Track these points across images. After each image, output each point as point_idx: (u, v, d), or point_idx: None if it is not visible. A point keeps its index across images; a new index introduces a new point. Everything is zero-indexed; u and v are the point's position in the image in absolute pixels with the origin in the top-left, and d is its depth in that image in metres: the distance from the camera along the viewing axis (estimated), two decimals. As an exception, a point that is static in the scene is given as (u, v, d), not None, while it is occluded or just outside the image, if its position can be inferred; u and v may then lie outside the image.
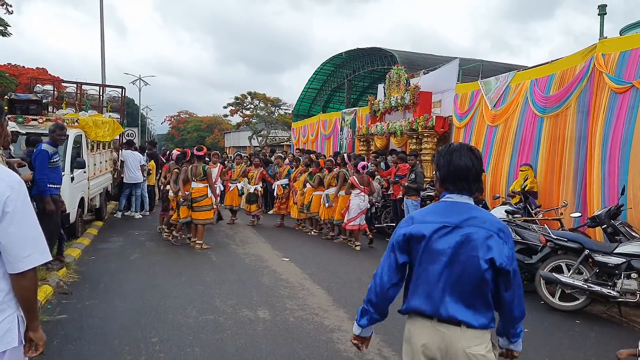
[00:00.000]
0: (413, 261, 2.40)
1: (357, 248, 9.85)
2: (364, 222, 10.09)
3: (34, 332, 2.20)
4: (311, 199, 10.94)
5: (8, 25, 19.83)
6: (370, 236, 10.17)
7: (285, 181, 12.20)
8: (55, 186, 6.75)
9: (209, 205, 9.32)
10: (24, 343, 2.17)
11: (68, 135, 8.48)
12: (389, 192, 10.98)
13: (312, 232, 11.31)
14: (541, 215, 7.98)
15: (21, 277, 2.07)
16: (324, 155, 14.94)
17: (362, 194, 9.88)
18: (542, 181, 8.86)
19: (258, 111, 45.05)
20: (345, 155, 11.78)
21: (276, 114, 44.95)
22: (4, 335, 2.07)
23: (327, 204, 10.49)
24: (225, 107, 46.38)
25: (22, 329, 2.15)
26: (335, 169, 10.74)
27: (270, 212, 13.84)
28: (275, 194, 12.41)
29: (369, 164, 12.66)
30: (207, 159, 10.01)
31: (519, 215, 7.78)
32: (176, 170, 9.71)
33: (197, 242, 9.22)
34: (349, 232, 10.26)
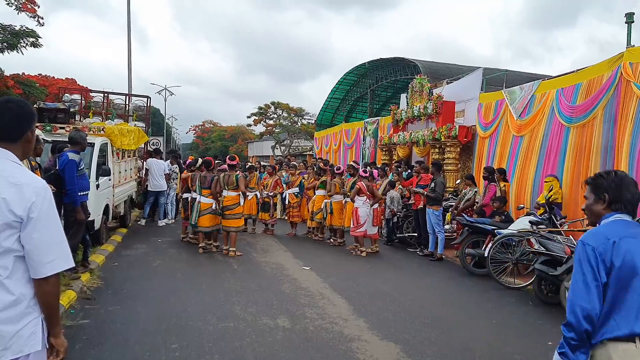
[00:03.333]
0: (617, 281, 2.30)
1: (363, 254, 9.93)
2: (375, 231, 10.32)
3: (56, 338, 2.23)
4: (332, 208, 10.92)
5: (39, 37, 20.30)
6: (377, 249, 10.43)
7: (296, 190, 12.21)
8: (85, 193, 6.88)
9: (240, 213, 9.61)
10: (47, 347, 2.20)
11: (93, 143, 8.66)
12: (410, 202, 10.90)
13: (331, 241, 11.32)
14: (566, 227, 7.83)
15: (44, 283, 2.11)
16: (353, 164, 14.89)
17: (368, 201, 10.05)
18: (568, 192, 8.67)
19: (281, 121, 45.30)
20: (353, 163, 11.85)
21: (299, 124, 45.13)
22: (28, 338, 2.11)
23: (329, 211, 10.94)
24: (248, 117, 46.79)
25: (45, 333, 2.19)
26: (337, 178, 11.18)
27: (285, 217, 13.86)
28: (287, 202, 12.43)
29: (391, 174, 12.65)
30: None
31: (544, 226, 7.64)
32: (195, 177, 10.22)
33: (230, 249, 9.39)
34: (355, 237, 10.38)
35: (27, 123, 2.27)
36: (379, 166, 13.96)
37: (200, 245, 9.73)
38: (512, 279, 7.87)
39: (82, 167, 6.83)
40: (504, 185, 9.64)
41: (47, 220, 2.12)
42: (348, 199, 10.60)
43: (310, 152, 33.99)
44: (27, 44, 20.36)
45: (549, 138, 9.28)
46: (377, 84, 24.14)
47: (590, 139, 8.25)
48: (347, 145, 21.36)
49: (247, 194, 11.94)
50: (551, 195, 8.37)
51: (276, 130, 45.89)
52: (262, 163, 15.87)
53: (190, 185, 10.47)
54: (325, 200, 11.03)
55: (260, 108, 45.26)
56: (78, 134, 6.95)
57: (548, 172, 9.07)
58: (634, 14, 8.14)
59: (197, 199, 9.61)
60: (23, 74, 23.46)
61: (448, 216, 10.32)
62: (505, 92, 10.93)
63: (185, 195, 10.82)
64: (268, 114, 45.40)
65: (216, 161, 11.09)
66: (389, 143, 15.91)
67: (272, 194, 12.44)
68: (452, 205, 10.51)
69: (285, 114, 45.09)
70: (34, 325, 2.13)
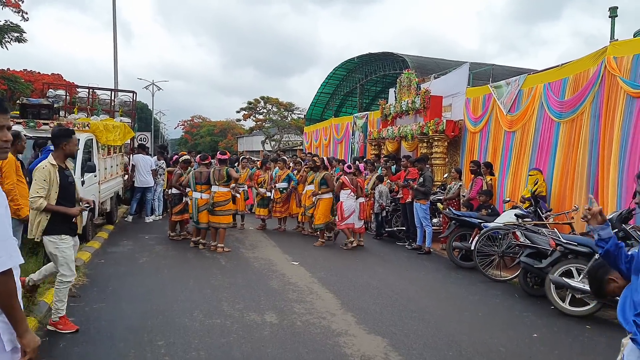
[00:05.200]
0: None
1: (351, 245, 10.06)
2: (361, 225, 10.44)
3: (21, 338, 2.12)
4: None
5: (24, 32, 20.09)
6: (362, 242, 10.55)
7: (284, 184, 12.10)
8: None
9: (230, 210, 9.66)
10: (17, 348, 2.11)
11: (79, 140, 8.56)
12: (399, 196, 10.93)
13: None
14: (552, 220, 7.89)
15: None
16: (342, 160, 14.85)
17: (352, 194, 10.13)
18: (558, 186, 8.71)
19: (271, 116, 45.19)
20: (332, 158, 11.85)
21: (289, 119, 45.04)
22: None
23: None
24: (238, 112, 46.63)
25: (7, 335, 2.09)
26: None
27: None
28: (272, 197, 12.34)
29: (380, 168, 12.66)
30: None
31: (529, 219, 7.70)
32: (179, 172, 10.36)
33: (219, 245, 9.35)
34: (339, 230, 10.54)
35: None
36: (366, 159, 13.98)
37: (193, 239, 9.74)
38: (498, 271, 7.93)
39: None
40: (490, 179, 9.68)
41: None
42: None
43: (300, 147, 33.94)
44: (11, 39, 20.14)
45: (540, 133, 9.31)
46: (366, 79, 24.13)
47: (578, 133, 8.30)
48: (337, 140, 21.37)
49: (238, 189, 11.91)
50: (536, 189, 8.43)
51: (266, 125, 45.77)
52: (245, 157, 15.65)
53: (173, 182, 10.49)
54: (316, 197, 10.99)
55: (249, 103, 45.11)
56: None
57: (541, 166, 9.12)
58: (617, 8, 8.20)
59: (197, 196, 9.52)
60: (8, 69, 23.20)
61: (440, 206, 10.35)
62: (492, 86, 10.97)
63: (173, 191, 10.78)
64: (257, 109, 45.26)
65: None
66: (378, 138, 15.92)
67: (267, 191, 12.31)
68: (439, 200, 10.55)
69: (275, 109, 44.98)
70: None
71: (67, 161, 5.14)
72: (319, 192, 10.51)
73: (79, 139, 8.72)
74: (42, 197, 4.78)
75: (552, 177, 8.81)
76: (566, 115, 8.57)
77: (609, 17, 8.26)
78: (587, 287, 5.85)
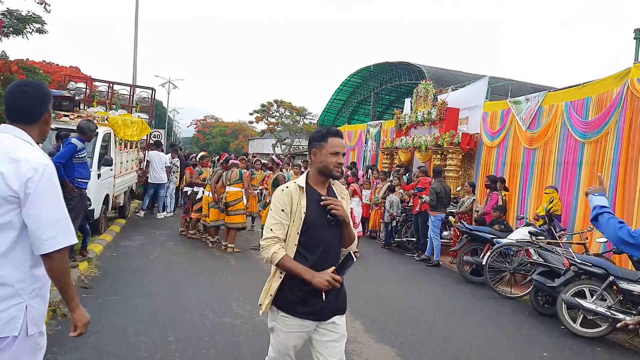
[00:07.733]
0: None
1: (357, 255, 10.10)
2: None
3: (72, 313, 2.24)
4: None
5: (45, 23, 20.28)
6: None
7: None
8: (85, 181, 6.88)
9: (242, 209, 9.63)
10: (29, 333, 2.13)
11: (97, 132, 8.67)
12: (410, 205, 10.93)
13: None
14: (566, 239, 7.84)
15: (48, 259, 2.10)
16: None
17: (360, 201, 10.64)
18: (583, 206, 8.60)
19: (283, 119, 45.30)
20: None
21: (301, 123, 45.13)
22: (9, 322, 2.07)
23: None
24: (251, 114, 46.78)
25: (30, 319, 2.12)
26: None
27: None
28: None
29: (391, 177, 12.67)
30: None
31: (543, 237, 7.66)
32: (198, 170, 10.57)
33: (229, 245, 9.42)
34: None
35: (44, 105, 2.29)
36: (379, 170, 14.00)
37: (211, 240, 9.91)
38: (508, 288, 7.88)
39: (84, 155, 6.83)
40: (505, 195, 9.64)
41: (45, 197, 2.09)
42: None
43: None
44: (32, 30, 20.34)
45: (565, 152, 9.19)
46: (381, 87, 24.12)
47: (603, 154, 8.22)
48: (349, 147, 21.38)
49: (252, 191, 11.98)
50: (551, 207, 8.38)
51: (278, 128, 45.89)
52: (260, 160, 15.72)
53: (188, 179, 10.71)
54: None
55: (262, 105, 45.25)
56: (87, 125, 6.95)
57: (565, 185, 9.05)
58: (641, 30, 8.17)
59: (206, 194, 9.91)
60: (27, 59, 23.43)
61: (452, 219, 10.33)
62: (510, 101, 10.94)
63: (186, 188, 10.91)
64: (270, 112, 45.41)
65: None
66: (391, 147, 15.93)
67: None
68: (451, 213, 10.53)
69: (287, 113, 45.09)
70: (17, 310, 2.08)
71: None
72: None
73: (97, 132, 8.84)
74: (276, 239, 2.78)
75: (578, 197, 8.70)
76: (591, 136, 8.49)
77: (634, 38, 8.23)
78: (599, 309, 5.82)
